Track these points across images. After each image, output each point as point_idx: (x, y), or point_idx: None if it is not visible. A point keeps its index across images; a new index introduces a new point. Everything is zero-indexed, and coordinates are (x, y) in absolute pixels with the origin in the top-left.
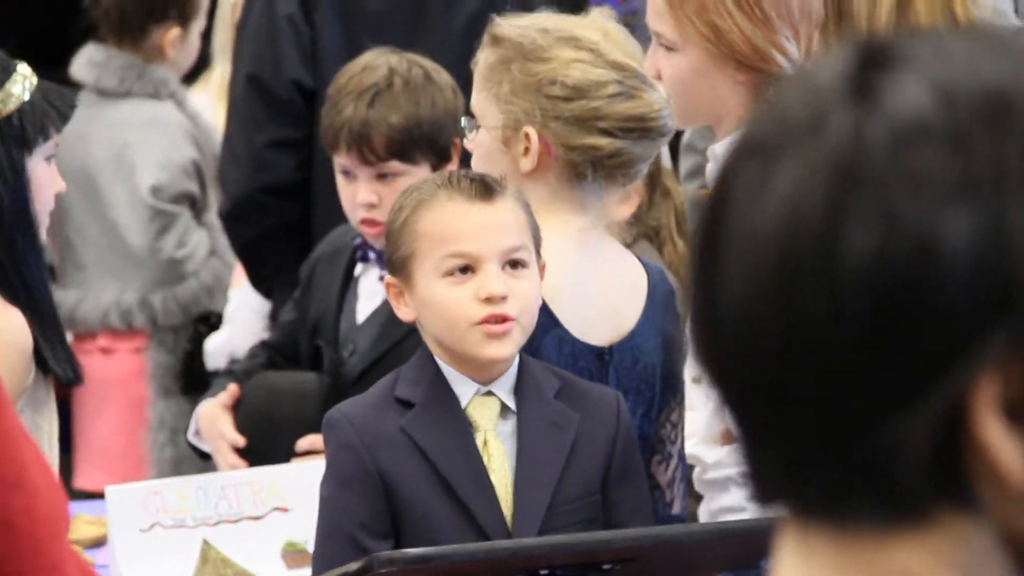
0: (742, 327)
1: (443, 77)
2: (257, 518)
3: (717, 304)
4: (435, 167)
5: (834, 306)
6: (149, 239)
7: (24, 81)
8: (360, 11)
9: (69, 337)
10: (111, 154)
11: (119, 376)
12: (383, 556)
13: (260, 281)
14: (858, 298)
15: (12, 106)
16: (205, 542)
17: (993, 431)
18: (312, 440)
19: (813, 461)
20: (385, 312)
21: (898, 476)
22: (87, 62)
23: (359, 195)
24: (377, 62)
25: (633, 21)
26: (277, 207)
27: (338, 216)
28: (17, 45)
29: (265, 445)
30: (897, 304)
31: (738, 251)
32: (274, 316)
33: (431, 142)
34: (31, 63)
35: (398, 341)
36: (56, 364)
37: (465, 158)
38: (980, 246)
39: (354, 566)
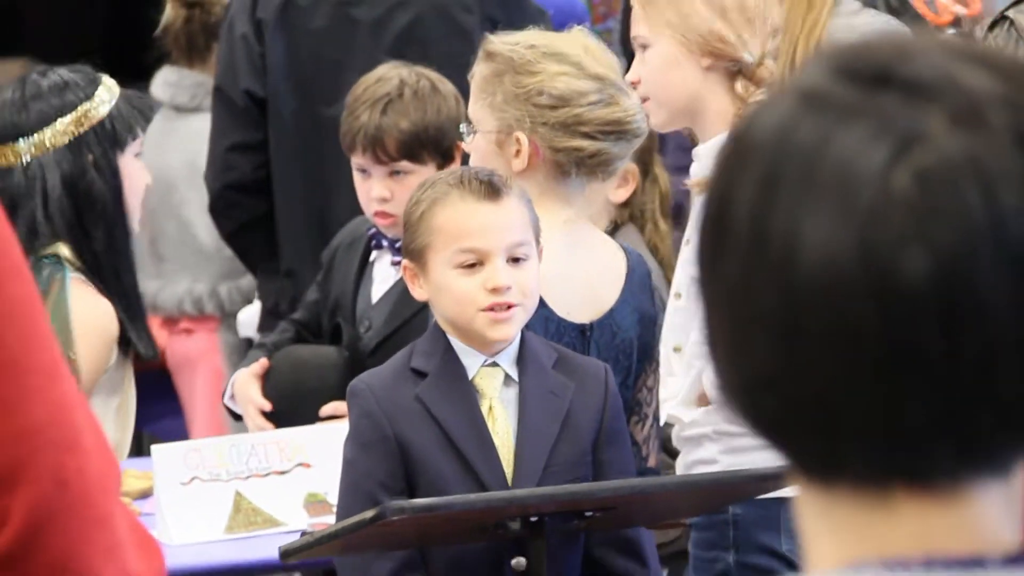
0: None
1: (447, 87)
2: (283, 472)
3: (793, 255)
4: (440, 166)
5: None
6: (217, 237)
7: (108, 91)
8: (302, 29)
9: (157, 321)
10: (186, 162)
11: (200, 353)
12: (394, 505)
13: (250, 268)
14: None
15: (102, 113)
16: (238, 493)
17: None
18: (334, 406)
19: (914, 428)
20: (396, 293)
21: (1007, 429)
22: (163, 83)
23: (373, 191)
24: (390, 74)
25: (608, 38)
26: (244, 202)
27: (296, 209)
28: (99, 69)
29: (291, 410)
30: None
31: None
32: (261, 299)
33: (437, 144)
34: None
35: (408, 319)
36: (139, 341)
37: (466, 159)
38: None
39: (369, 514)
